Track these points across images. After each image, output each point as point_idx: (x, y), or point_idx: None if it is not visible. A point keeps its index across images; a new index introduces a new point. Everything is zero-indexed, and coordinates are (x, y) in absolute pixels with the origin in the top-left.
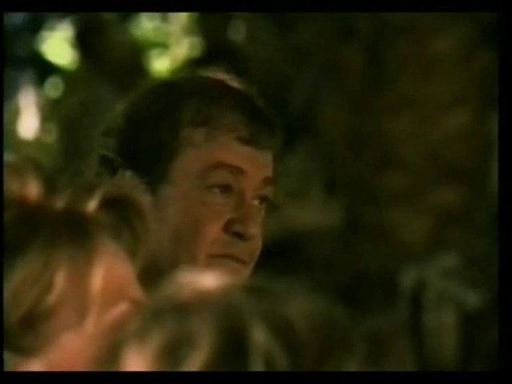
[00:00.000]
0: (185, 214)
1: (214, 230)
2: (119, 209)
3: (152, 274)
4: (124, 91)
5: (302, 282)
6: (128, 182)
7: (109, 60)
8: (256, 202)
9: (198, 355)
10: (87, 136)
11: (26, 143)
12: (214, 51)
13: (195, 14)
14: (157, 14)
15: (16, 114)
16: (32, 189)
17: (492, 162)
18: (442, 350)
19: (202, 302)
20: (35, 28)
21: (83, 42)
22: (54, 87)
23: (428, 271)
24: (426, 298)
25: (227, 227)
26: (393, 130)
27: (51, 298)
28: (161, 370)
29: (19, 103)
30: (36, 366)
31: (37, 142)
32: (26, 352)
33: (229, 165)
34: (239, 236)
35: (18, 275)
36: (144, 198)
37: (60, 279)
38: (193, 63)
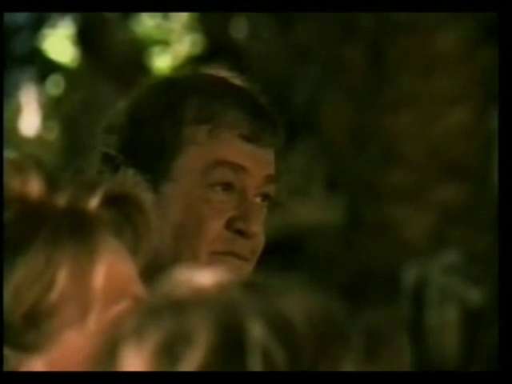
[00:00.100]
0: (187, 212)
1: (215, 228)
2: (121, 206)
3: (154, 272)
4: (125, 89)
5: (303, 278)
6: (130, 179)
7: (110, 57)
8: (258, 200)
9: (196, 352)
10: (89, 133)
11: (27, 141)
12: (216, 49)
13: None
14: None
15: (17, 111)
16: (34, 186)
17: (494, 159)
18: (443, 346)
19: (200, 298)
20: (36, 25)
21: (84, 39)
22: (55, 85)
23: (430, 268)
24: (428, 295)
25: (229, 224)
26: (394, 127)
27: (53, 296)
28: (159, 367)
29: (20, 101)
30: (38, 363)
31: (38, 140)
32: (28, 349)
33: (231, 162)
34: (241, 233)
35: (20, 273)
36: (146, 196)
37: (62, 277)
38: (194, 61)
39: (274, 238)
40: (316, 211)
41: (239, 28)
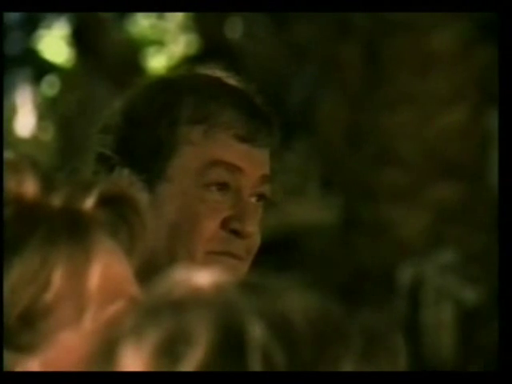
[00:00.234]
0: (182, 212)
1: (211, 227)
2: (116, 206)
3: (149, 272)
4: (121, 89)
5: (299, 278)
6: (125, 179)
7: (105, 58)
8: (253, 200)
9: (195, 352)
10: (84, 134)
11: (22, 141)
12: (211, 49)
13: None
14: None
15: (13, 112)
16: (29, 187)
17: (490, 158)
18: (439, 346)
19: (198, 298)
20: (31, 26)
21: (80, 39)
22: (50, 85)
23: (426, 267)
24: (424, 295)
25: (224, 224)
26: (391, 126)
27: (49, 296)
28: (157, 367)
29: (16, 101)
30: (33, 363)
31: (34, 140)
32: (24, 350)
33: (226, 162)
34: (236, 233)
35: (16, 273)
36: (141, 196)
37: (57, 277)
38: (190, 61)
39: (270, 237)
40: (312, 211)
41: (234, 28)
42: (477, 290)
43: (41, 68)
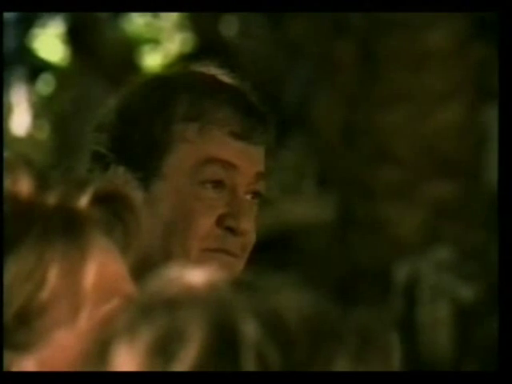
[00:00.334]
0: (177, 209)
1: (206, 225)
2: (111, 204)
3: (145, 269)
4: (116, 87)
5: (295, 276)
6: (120, 177)
7: (100, 56)
8: (248, 197)
9: (189, 350)
10: (79, 132)
11: (17, 140)
12: (206, 47)
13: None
14: None
15: (8, 110)
16: (24, 185)
17: (486, 156)
18: (436, 343)
19: (192, 297)
20: (27, 25)
21: (75, 38)
22: (45, 84)
23: (422, 265)
24: (420, 292)
25: (220, 222)
26: (386, 124)
27: (44, 294)
28: (151, 365)
29: (11, 100)
30: (29, 362)
31: (29, 139)
32: (20, 348)
33: (221, 160)
34: (231, 231)
35: (11, 272)
36: (136, 194)
37: (53, 275)
38: (185, 59)
39: (265, 235)
40: (307, 209)
41: (230, 26)
42: (473, 287)
43: (36, 66)
